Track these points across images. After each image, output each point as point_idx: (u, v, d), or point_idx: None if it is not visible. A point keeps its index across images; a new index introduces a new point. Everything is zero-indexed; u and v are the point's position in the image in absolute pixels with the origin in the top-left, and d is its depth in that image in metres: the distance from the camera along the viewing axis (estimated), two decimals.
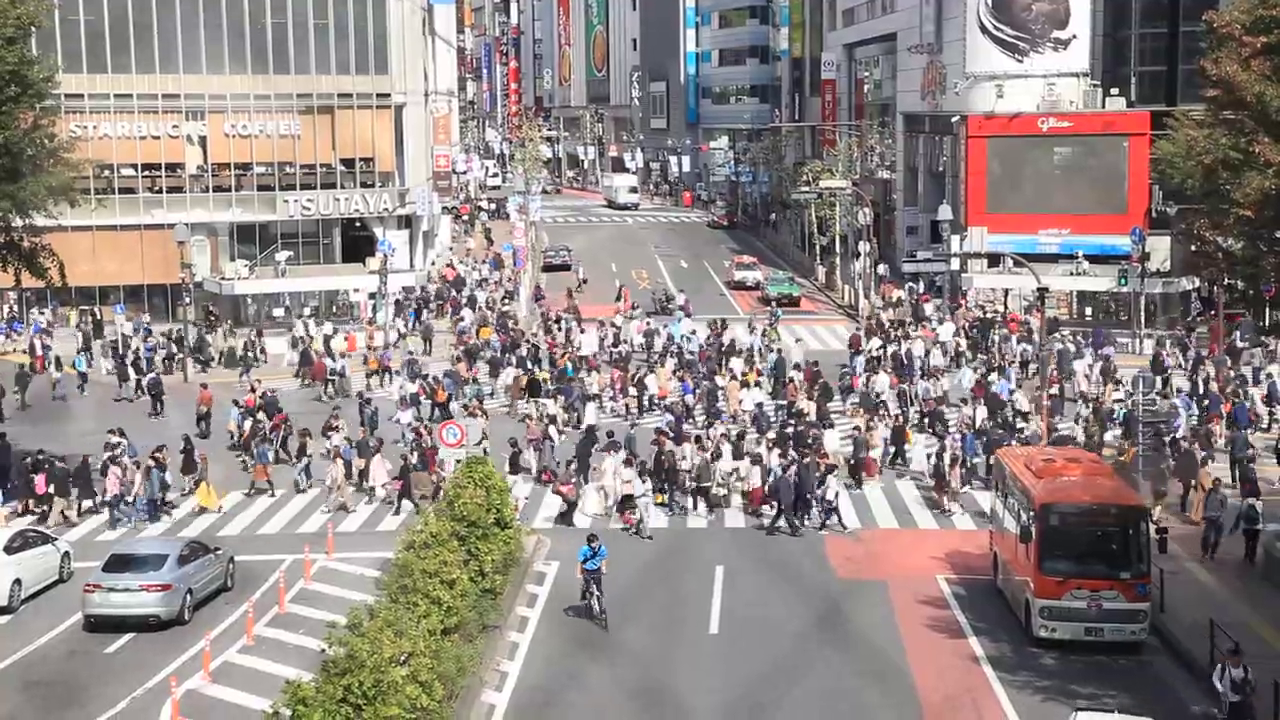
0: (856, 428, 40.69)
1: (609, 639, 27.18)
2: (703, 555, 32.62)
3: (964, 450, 38.24)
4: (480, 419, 42.00)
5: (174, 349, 55.42)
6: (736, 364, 50.08)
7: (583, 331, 56.63)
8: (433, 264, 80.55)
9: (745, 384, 46.59)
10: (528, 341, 54.78)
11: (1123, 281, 56.50)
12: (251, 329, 59.31)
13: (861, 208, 69.29)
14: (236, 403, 43.92)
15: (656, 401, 46.67)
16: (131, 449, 38.04)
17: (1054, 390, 43.06)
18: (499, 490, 29.77)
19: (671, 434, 39.44)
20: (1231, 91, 32.45)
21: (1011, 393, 44.75)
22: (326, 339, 56.01)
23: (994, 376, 46.77)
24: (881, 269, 69.35)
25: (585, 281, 74.68)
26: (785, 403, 45.26)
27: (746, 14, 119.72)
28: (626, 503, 35.23)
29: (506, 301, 67.05)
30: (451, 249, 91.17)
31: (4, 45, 35.90)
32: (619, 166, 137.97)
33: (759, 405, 44.43)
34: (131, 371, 51.29)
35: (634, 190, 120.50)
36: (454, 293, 68.63)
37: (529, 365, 50.26)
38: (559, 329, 58.44)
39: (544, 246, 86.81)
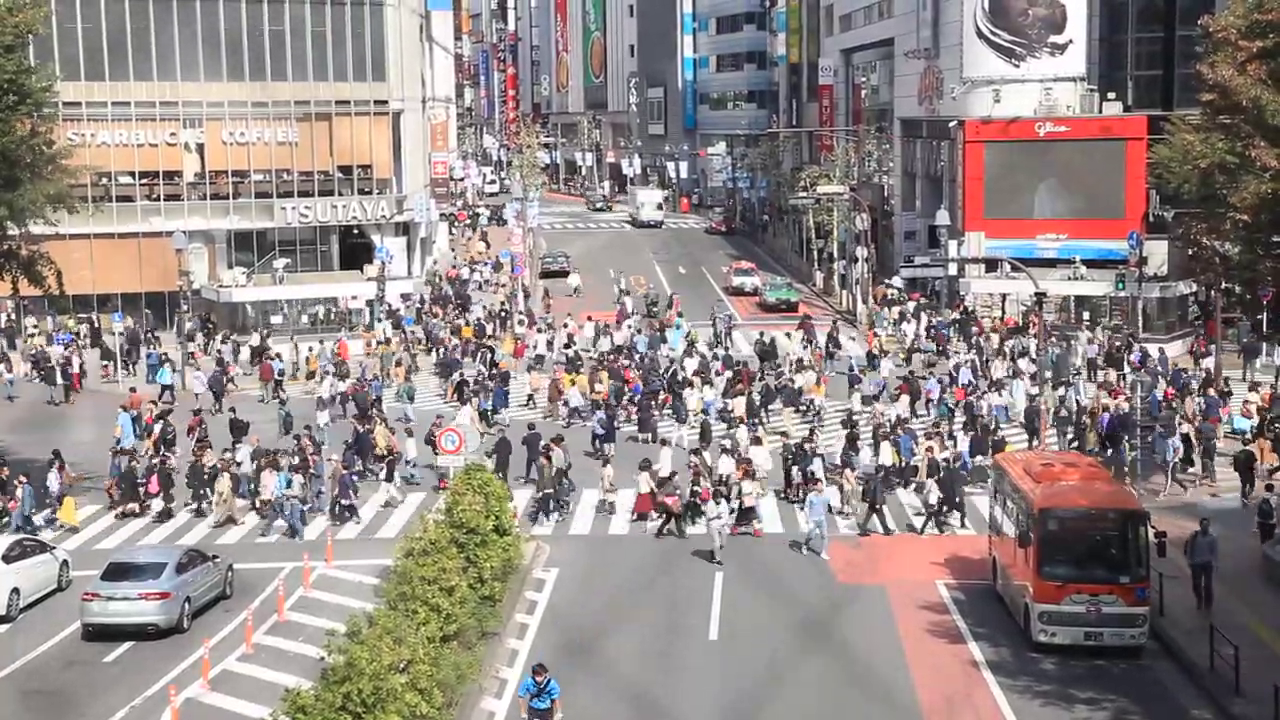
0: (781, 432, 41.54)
1: (609, 645, 27.17)
2: (702, 560, 32.60)
3: (899, 452, 38.43)
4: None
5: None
6: (690, 364, 51.30)
7: (540, 331, 58.44)
8: (435, 262, 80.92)
9: (691, 384, 47.72)
10: (484, 345, 55.55)
11: (1120, 286, 56.54)
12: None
13: (859, 213, 69.32)
14: (125, 408, 43.93)
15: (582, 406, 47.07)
16: None
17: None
18: (498, 497, 29.74)
19: (603, 430, 41.51)
20: (1228, 96, 32.51)
21: (943, 392, 46.02)
22: (253, 349, 55.94)
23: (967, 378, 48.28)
24: (898, 282, 69.23)
25: (627, 293, 73.99)
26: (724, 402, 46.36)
27: (744, 20, 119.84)
28: (746, 514, 34.74)
29: (504, 307, 67.33)
30: (453, 251, 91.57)
31: (2, 53, 35.91)
32: (615, 174, 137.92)
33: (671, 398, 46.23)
34: (59, 376, 51.63)
35: (659, 207, 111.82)
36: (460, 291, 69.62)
37: (461, 367, 51.36)
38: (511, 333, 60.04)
39: (542, 253, 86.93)
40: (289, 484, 35.65)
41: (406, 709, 20.27)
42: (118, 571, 28.43)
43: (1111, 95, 63.34)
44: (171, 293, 59.98)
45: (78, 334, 59.61)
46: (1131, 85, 64.23)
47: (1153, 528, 26.92)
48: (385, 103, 68.58)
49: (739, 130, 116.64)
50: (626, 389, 47.74)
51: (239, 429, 42.13)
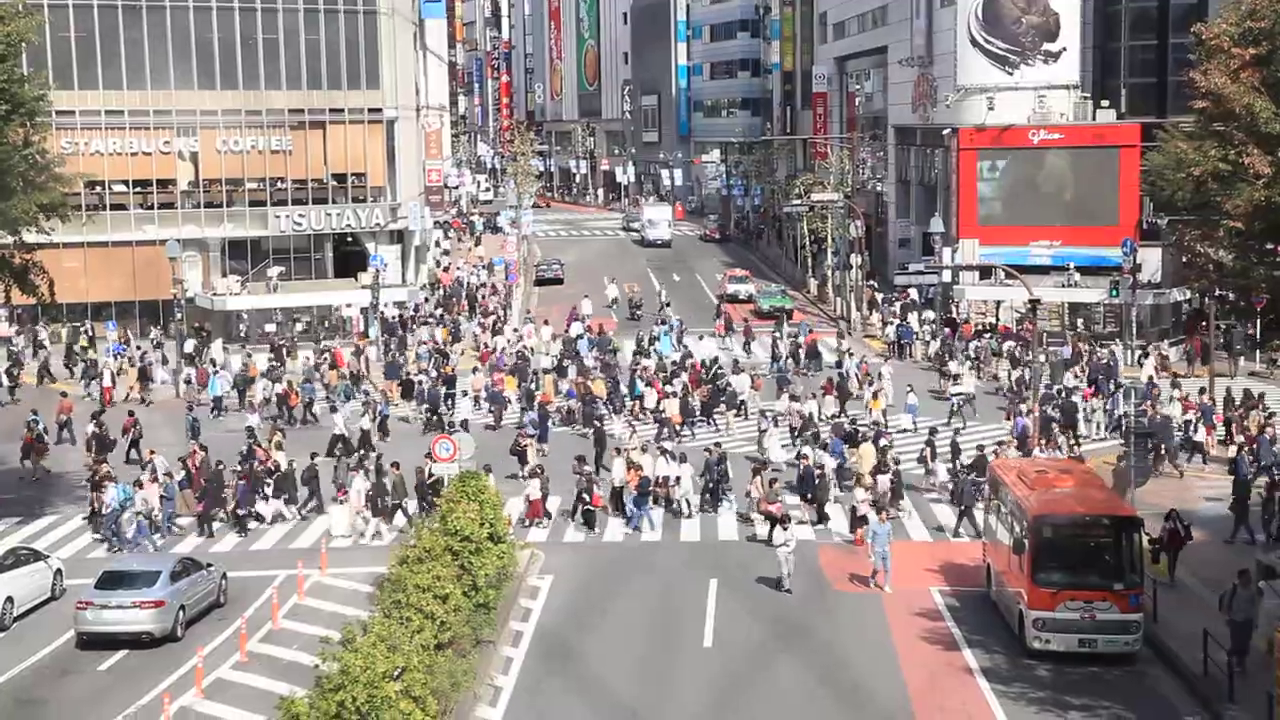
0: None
1: (603, 652, 27.14)
2: (696, 568, 32.59)
3: (832, 454, 38.57)
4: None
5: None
6: (649, 364, 52.00)
7: (495, 334, 59.44)
8: (436, 264, 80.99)
9: (651, 384, 48.27)
10: (437, 350, 56.02)
11: (1114, 293, 56.66)
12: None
13: (853, 220, 69.40)
14: (35, 412, 43.67)
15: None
16: None
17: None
18: (492, 504, 29.73)
19: (535, 431, 42.14)
20: (1221, 103, 32.67)
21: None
22: (189, 356, 55.61)
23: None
24: (913, 294, 69.12)
25: (586, 296, 74.05)
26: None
27: (738, 27, 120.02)
28: (860, 522, 34.34)
29: (501, 315, 67.31)
30: (447, 253, 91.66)
31: None
32: (609, 181, 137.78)
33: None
34: (5, 379, 52.03)
35: (669, 224, 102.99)
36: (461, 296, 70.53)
37: (404, 370, 52.12)
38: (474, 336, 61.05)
39: (536, 260, 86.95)
40: (128, 497, 34.93)
41: (401, 717, 20.25)
42: (112, 580, 28.41)
43: (1105, 103, 63.54)
44: (165, 301, 59.97)
45: (128, 343, 59.44)
46: (1125, 93, 64.44)
47: (1147, 534, 26.94)
48: (379, 110, 68.62)
49: (733, 138, 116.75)
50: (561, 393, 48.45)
51: (103, 445, 41.34)
